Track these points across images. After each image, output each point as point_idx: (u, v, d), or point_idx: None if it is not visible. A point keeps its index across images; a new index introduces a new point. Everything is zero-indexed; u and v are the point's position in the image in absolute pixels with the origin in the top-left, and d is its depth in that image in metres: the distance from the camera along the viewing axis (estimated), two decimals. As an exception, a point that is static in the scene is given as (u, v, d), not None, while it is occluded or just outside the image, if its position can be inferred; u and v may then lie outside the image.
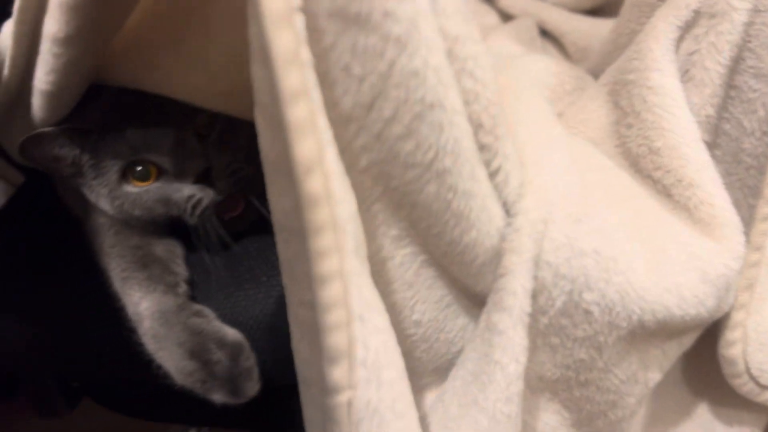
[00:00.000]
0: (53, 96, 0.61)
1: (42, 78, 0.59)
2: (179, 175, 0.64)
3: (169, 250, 0.69)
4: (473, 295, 0.54)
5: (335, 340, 0.41)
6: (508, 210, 0.50)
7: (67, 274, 0.75)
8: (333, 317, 0.40)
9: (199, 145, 0.65)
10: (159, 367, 0.61)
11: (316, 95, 0.37)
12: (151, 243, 0.68)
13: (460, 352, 0.56)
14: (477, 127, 0.47)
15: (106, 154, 0.64)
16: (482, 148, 0.48)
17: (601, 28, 0.88)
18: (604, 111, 0.64)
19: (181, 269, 0.67)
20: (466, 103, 0.45)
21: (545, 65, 0.72)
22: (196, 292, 0.67)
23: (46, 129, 0.62)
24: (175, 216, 0.66)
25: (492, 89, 0.46)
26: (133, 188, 0.65)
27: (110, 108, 0.64)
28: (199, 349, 0.59)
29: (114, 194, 0.65)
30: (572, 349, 0.54)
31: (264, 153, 0.41)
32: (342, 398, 0.43)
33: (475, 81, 0.45)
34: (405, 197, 0.47)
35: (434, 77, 0.42)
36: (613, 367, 0.55)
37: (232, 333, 0.61)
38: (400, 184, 0.46)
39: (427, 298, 0.53)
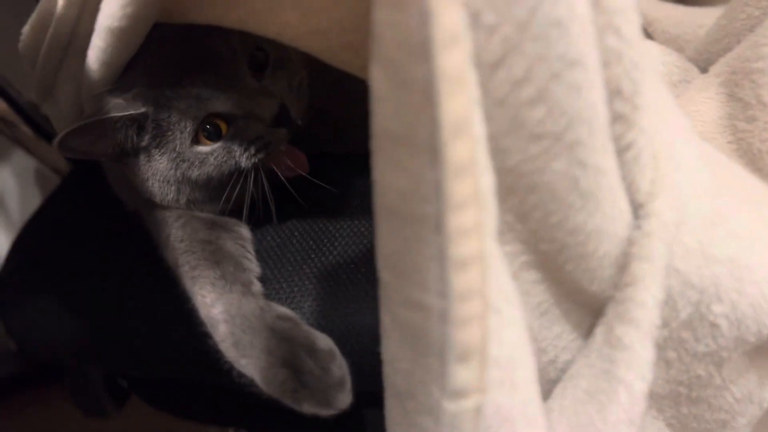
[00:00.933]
0: (125, 33, 0.57)
1: (115, 13, 0.56)
2: (255, 121, 0.62)
3: (240, 245, 0.65)
4: (582, 297, 0.49)
5: (466, 335, 0.37)
6: (635, 209, 0.46)
7: (118, 268, 0.72)
8: (467, 308, 0.36)
9: (260, 85, 0.62)
10: (241, 375, 0.57)
11: (467, 42, 0.33)
12: (221, 236, 0.65)
13: (552, 362, 0.52)
14: (614, 93, 0.41)
15: (170, 120, 0.61)
16: (616, 118, 0.42)
17: (696, 16, 0.83)
18: (715, 103, 0.60)
19: (253, 265, 0.64)
20: (606, 64, 0.40)
21: (654, 52, 0.67)
22: (268, 287, 0.63)
23: (88, 120, 0.59)
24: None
25: (637, 50, 0.40)
26: (204, 148, 0.62)
27: (156, 63, 0.61)
28: (289, 357, 0.55)
29: (181, 158, 0.63)
30: (689, 365, 0.50)
31: (379, 123, 0.37)
32: (468, 403, 0.39)
33: (620, 39, 0.40)
34: (522, 178, 0.42)
35: (578, 29, 0.37)
36: (730, 384, 0.51)
37: (322, 339, 0.57)
38: (519, 161, 0.41)
39: (522, 303, 0.49)
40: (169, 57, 0.61)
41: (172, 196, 0.67)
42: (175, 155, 0.63)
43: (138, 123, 0.61)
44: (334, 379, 0.56)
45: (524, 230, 0.45)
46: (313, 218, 0.69)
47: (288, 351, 0.56)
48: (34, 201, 1.21)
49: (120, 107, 0.61)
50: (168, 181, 0.65)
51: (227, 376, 0.58)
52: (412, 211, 0.36)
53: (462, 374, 0.38)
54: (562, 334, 0.52)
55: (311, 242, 0.67)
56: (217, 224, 0.66)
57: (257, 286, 0.62)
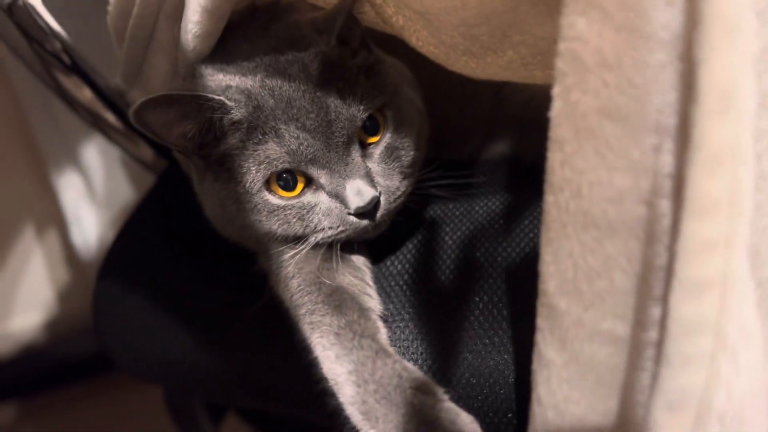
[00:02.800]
0: None
1: None
2: (337, 201, 0.55)
3: (359, 278, 0.58)
4: None
5: (687, 379, 0.31)
6: None
7: (222, 291, 0.67)
8: (693, 345, 0.30)
9: (364, 162, 0.55)
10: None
11: None
12: (334, 269, 0.58)
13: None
14: None
15: (257, 147, 0.54)
16: None
17: None
18: None
19: (375, 302, 0.57)
20: None
21: None
22: (392, 326, 0.57)
23: (174, 92, 0.52)
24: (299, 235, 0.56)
25: None
26: (273, 198, 0.55)
27: (262, 83, 0.53)
28: None
29: (245, 198, 0.55)
30: None
31: (589, 100, 0.30)
32: None
33: None
34: None
35: None
36: None
37: (468, 423, 0.49)
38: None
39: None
40: (283, 60, 0.53)
41: (229, 233, 0.60)
42: (242, 190, 0.55)
43: (229, 120, 0.54)
44: None
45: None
46: (437, 241, 0.61)
47: None
48: (119, 178, 1.21)
49: (218, 85, 0.54)
50: (228, 218, 0.58)
51: (331, 417, 0.52)
52: (624, 217, 0.30)
53: (670, 427, 0.32)
54: None
55: (436, 270, 0.59)
56: (332, 252, 0.58)
57: (384, 334, 0.55)
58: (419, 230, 0.62)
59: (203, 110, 0.52)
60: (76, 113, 0.90)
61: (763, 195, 0.32)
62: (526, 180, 0.62)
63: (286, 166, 0.53)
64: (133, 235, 0.77)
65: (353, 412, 0.50)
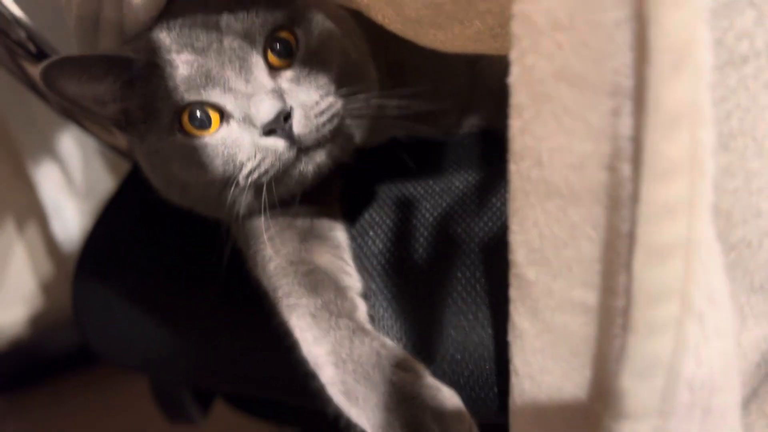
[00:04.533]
0: None
1: None
2: (250, 123, 0.52)
3: (337, 256, 0.58)
4: None
5: (654, 346, 0.31)
6: None
7: (199, 277, 0.67)
8: (659, 312, 0.30)
9: (273, 82, 0.53)
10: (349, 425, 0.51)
11: None
12: (313, 249, 0.58)
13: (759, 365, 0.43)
14: None
15: (155, 93, 0.53)
16: None
17: None
18: None
19: (353, 280, 0.57)
20: None
21: None
22: (373, 303, 0.57)
23: (77, 55, 0.52)
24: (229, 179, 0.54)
25: None
26: (187, 139, 0.53)
27: (162, 24, 0.53)
28: (411, 420, 0.47)
29: (157, 146, 0.54)
30: None
31: (543, 64, 0.30)
32: (642, 428, 0.33)
33: None
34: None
35: None
36: None
37: (449, 397, 0.49)
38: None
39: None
40: (174, 18, 0.52)
41: (172, 195, 0.59)
42: (158, 139, 0.54)
43: (136, 72, 0.52)
44: None
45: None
46: (417, 218, 0.61)
47: (410, 414, 0.48)
48: (98, 167, 1.21)
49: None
50: (165, 181, 0.57)
51: (315, 399, 0.52)
52: (587, 184, 0.30)
53: (640, 394, 0.32)
54: None
55: (418, 247, 0.58)
56: (310, 232, 0.58)
57: (363, 312, 0.55)
58: (399, 207, 0.62)
59: (118, 71, 0.52)
60: (46, 103, 0.88)
61: (734, 155, 0.32)
62: (504, 153, 0.62)
63: (185, 96, 0.52)
64: (111, 224, 0.77)
65: (334, 393, 0.50)
